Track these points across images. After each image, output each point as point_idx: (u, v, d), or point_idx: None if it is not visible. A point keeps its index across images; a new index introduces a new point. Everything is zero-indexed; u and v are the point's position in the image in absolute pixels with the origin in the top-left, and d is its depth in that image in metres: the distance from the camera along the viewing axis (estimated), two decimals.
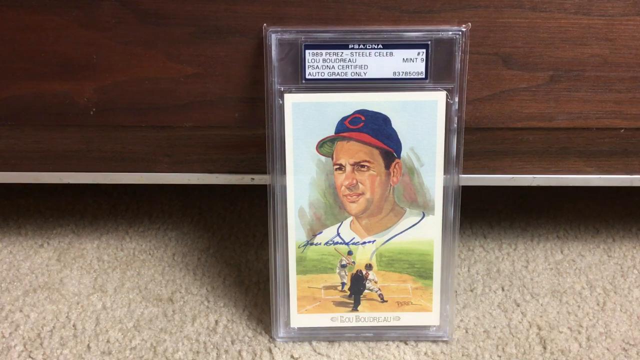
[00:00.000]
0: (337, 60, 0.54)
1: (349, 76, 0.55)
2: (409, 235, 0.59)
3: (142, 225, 0.78)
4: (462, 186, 0.58)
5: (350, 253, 0.59)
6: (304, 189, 0.57)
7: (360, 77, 0.55)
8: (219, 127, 0.60)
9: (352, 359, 0.59)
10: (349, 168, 0.57)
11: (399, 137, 0.56)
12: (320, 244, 0.59)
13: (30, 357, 0.59)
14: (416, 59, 0.54)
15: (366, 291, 0.60)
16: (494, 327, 0.63)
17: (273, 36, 0.54)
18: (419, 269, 0.59)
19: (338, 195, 0.58)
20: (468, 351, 0.60)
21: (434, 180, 0.57)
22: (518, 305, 0.65)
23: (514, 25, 0.55)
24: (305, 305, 0.60)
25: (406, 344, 0.61)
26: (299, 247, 0.59)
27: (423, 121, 0.55)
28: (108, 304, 0.65)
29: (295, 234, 0.58)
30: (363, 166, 0.57)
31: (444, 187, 0.57)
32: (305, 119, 0.55)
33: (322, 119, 0.55)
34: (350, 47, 0.54)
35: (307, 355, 0.60)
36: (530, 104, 0.58)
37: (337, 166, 0.57)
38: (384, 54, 0.54)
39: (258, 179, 0.63)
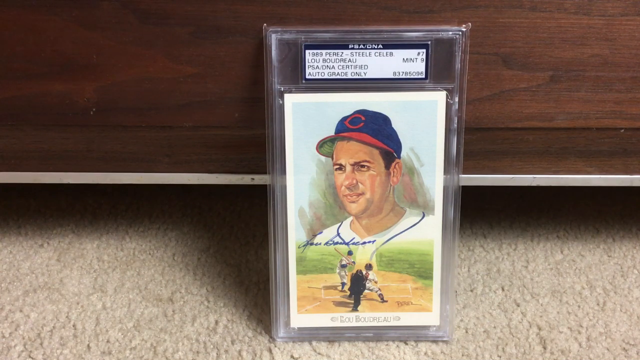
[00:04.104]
0: (337, 60, 0.54)
1: (349, 76, 0.55)
2: (409, 235, 0.59)
3: (142, 225, 0.78)
4: (462, 186, 0.58)
5: (350, 253, 0.59)
6: (304, 189, 0.57)
7: (360, 77, 0.55)
8: (219, 127, 0.60)
9: (352, 359, 0.59)
10: (349, 168, 0.57)
11: (399, 137, 0.56)
12: (320, 244, 0.59)
13: (30, 357, 0.59)
14: (416, 59, 0.54)
15: (366, 291, 0.60)
16: (494, 327, 0.63)
17: (273, 36, 0.54)
18: (419, 269, 0.59)
19: (338, 195, 0.58)
20: (468, 351, 0.60)
21: (434, 180, 0.57)
22: (518, 305, 0.65)
23: (514, 25, 0.55)
24: (305, 305, 0.60)
25: (406, 344, 0.61)
26: (299, 247, 0.59)
27: (423, 121, 0.55)
28: (108, 304, 0.65)
29: (295, 234, 0.58)
30: (363, 166, 0.57)
31: (444, 187, 0.57)
32: (305, 119, 0.55)
33: (322, 119, 0.55)
34: (350, 47, 0.54)
35: (307, 355, 0.60)
36: (530, 104, 0.58)
37: (337, 166, 0.57)
38: (384, 54, 0.54)
39: (258, 179, 0.63)
